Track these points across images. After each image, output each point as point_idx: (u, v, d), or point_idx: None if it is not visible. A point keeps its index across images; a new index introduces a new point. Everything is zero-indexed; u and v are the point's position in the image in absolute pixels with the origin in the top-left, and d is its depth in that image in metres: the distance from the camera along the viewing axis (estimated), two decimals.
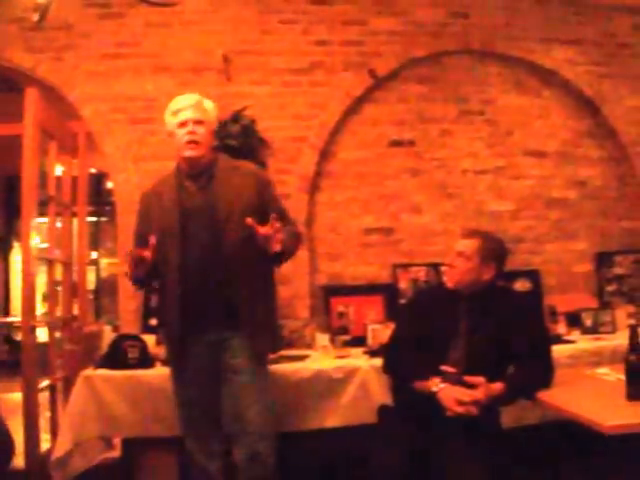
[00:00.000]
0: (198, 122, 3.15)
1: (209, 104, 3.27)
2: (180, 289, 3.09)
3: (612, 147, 5.53)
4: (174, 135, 3.20)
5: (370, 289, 4.88)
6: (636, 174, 5.49)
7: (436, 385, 2.95)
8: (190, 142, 3.12)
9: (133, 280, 3.24)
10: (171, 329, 3.18)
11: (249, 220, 2.93)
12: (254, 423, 3.09)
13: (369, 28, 5.14)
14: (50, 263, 4.53)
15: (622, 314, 4.72)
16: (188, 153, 3.13)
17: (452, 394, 2.89)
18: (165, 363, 3.81)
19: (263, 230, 2.93)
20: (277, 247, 2.97)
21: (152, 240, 2.99)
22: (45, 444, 4.11)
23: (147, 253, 3.00)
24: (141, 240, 3.22)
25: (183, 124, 3.14)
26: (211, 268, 3.08)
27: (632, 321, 4.43)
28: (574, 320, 4.64)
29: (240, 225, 3.02)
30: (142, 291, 3.59)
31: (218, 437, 3.21)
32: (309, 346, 4.41)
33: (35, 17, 4.07)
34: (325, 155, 5.03)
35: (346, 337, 4.30)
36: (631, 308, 4.93)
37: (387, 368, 3.35)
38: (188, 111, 3.15)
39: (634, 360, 2.70)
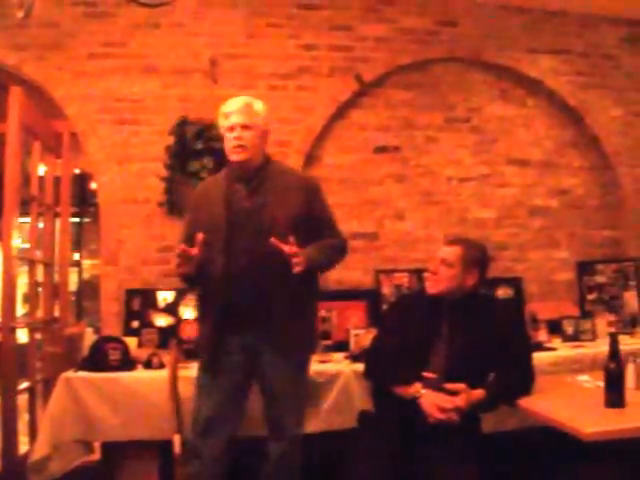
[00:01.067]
0: (245, 127, 3.15)
1: (259, 106, 3.26)
2: (224, 290, 3.10)
3: (595, 157, 5.61)
4: (225, 139, 3.23)
5: (353, 294, 4.90)
6: (618, 183, 5.57)
7: (417, 391, 2.98)
8: (236, 147, 3.13)
9: (183, 278, 3.23)
10: (210, 327, 3.18)
11: (273, 240, 2.94)
12: (289, 430, 3.17)
13: (356, 34, 5.16)
14: (31, 264, 4.49)
15: (602, 322, 4.76)
16: (234, 157, 3.15)
17: (433, 400, 2.93)
18: (147, 365, 3.85)
19: (287, 249, 2.94)
20: (296, 269, 2.97)
21: (199, 237, 2.99)
22: (23, 447, 4.07)
23: (195, 250, 3.00)
24: (189, 238, 3.23)
25: (231, 128, 3.16)
26: (255, 271, 3.07)
27: (612, 329, 4.52)
28: (555, 328, 4.68)
29: (287, 231, 3.02)
30: (191, 287, 3.55)
31: (227, 441, 3.19)
32: None
33: (20, 14, 4.04)
34: (310, 160, 5.04)
35: (328, 342, 4.34)
36: (611, 316, 4.98)
37: (368, 373, 3.37)
38: (236, 116, 3.15)
39: (614, 368, 2.77)
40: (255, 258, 3.07)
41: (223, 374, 3.15)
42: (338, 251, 3.35)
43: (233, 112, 3.17)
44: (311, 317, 3.39)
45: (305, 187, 3.27)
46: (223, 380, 3.16)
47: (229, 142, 3.17)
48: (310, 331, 3.38)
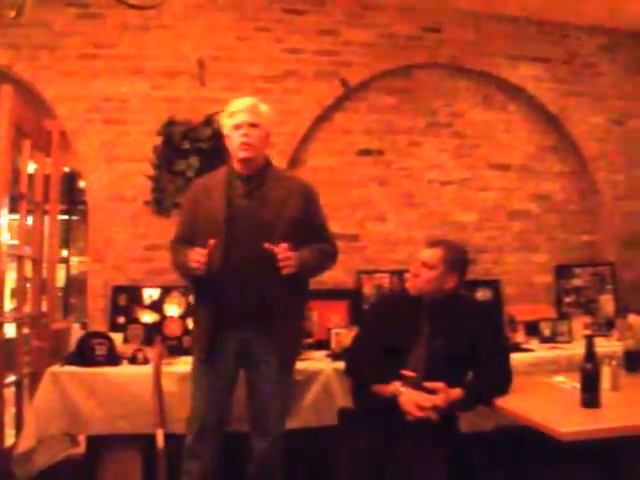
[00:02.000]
0: (253, 125, 3.19)
1: (265, 107, 3.30)
2: (220, 287, 3.13)
3: (574, 162, 5.70)
4: (229, 137, 3.27)
5: (334, 294, 4.94)
6: (597, 189, 5.66)
7: (397, 389, 3.03)
8: (244, 144, 3.17)
9: (194, 279, 3.24)
10: (206, 323, 3.20)
11: (266, 245, 3.02)
12: (273, 427, 3.20)
13: (342, 39, 5.23)
14: (20, 260, 4.52)
15: (579, 324, 4.84)
16: (242, 154, 3.18)
17: (412, 398, 2.97)
18: (132, 361, 3.90)
19: (279, 251, 3.03)
20: (285, 271, 3.06)
21: (211, 242, 3.04)
22: (9, 439, 4.08)
23: (205, 252, 3.05)
24: (187, 228, 3.31)
25: (238, 127, 3.20)
26: (252, 270, 3.11)
27: (588, 331, 4.55)
28: (533, 329, 4.74)
29: (284, 232, 3.11)
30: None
31: (221, 439, 3.23)
32: None
33: (12, 14, 4.06)
34: (295, 162, 5.10)
35: (309, 340, 4.39)
36: (588, 319, 5.07)
37: (349, 372, 3.42)
38: (243, 114, 3.19)
39: (589, 369, 2.83)
40: (253, 256, 3.10)
41: (218, 372, 3.19)
42: (329, 257, 3.43)
43: (240, 111, 3.21)
44: (302, 318, 3.47)
45: (303, 192, 3.33)
46: (218, 378, 3.20)
47: (235, 140, 3.20)
48: (300, 331, 3.46)
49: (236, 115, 3.21)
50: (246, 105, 3.23)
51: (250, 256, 3.11)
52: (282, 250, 3.04)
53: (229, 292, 3.13)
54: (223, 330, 3.16)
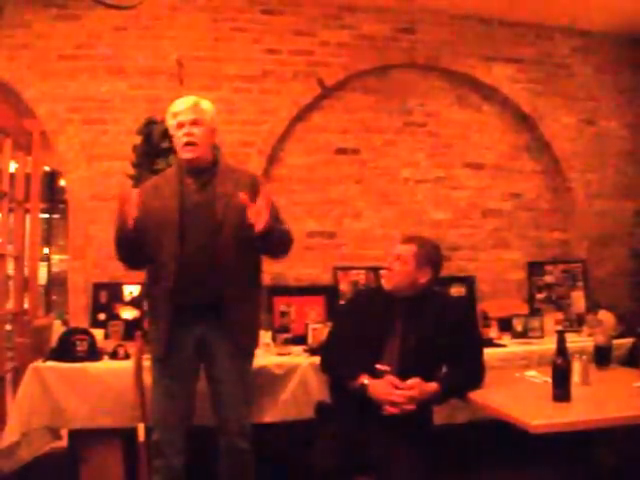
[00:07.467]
0: (194, 123, 3.19)
1: (207, 104, 3.29)
2: (174, 282, 3.13)
3: (547, 161, 5.78)
4: (174, 137, 3.27)
5: (311, 290, 5.00)
6: (569, 188, 5.75)
7: (362, 383, 3.08)
8: (187, 144, 3.17)
9: (122, 232, 3.15)
10: (161, 320, 3.19)
11: (242, 195, 2.99)
12: (234, 420, 3.22)
13: (319, 39, 5.29)
14: (2, 257, 4.56)
15: (550, 320, 4.91)
16: (186, 155, 3.19)
17: (380, 390, 3.02)
18: (113, 356, 3.92)
19: (254, 203, 3.00)
20: (259, 227, 3.00)
21: (134, 195, 3.04)
22: None
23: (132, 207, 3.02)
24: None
25: (180, 126, 3.20)
26: (206, 265, 3.12)
27: (559, 327, 4.63)
28: (505, 325, 4.79)
29: (237, 226, 3.11)
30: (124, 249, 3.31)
31: (186, 432, 3.25)
32: None
33: None
34: (272, 160, 5.15)
35: (287, 335, 4.46)
36: (559, 315, 5.15)
37: (324, 367, 3.45)
38: (185, 114, 3.20)
39: (560, 364, 2.88)
40: (208, 252, 3.12)
41: (178, 368, 3.20)
42: (288, 236, 3.35)
43: (181, 111, 3.21)
44: (258, 311, 3.47)
45: (252, 183, 3.28)
46: (178, 374, 3.20)
47: (179, 140, 3.20)
48: (256, 324, 3.44)
49: (178, 115, 3.22)
50: (187, 105, 3.22)
51: (204, 251, 3.13)
52: (255, 207, 3.00)
53: (184, 287, 3.13)
54: (182, 327, 3.16)
